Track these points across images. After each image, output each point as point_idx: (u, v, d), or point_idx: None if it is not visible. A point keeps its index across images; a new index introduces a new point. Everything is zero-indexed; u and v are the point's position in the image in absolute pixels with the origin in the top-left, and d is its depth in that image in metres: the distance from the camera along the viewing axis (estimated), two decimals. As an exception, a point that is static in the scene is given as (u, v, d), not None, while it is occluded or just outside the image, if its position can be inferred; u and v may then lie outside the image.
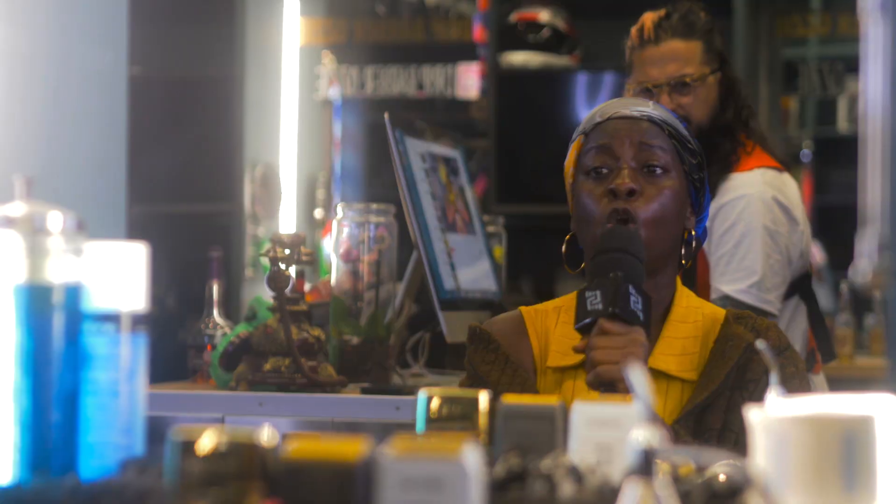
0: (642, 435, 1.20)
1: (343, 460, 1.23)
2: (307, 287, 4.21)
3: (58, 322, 1.56)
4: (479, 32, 6.28)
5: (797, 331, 3.44)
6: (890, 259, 1.08)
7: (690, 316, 2.34)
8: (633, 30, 3.47)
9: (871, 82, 1.11)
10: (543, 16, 6.13)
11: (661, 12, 3.45)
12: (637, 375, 1.22)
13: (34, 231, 1.55)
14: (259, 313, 3.44)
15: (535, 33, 6.14)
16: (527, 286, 5.88)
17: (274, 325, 3.33)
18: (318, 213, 6.44)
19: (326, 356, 3.48)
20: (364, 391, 3.38)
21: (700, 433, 2.22)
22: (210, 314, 3.64)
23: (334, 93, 6.57)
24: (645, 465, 1.19)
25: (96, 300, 1.60)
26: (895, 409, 1.18)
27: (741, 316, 2.35)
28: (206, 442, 1.28)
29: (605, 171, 2.32)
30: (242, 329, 3.42)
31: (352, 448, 1.24)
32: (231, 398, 3.32)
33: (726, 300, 3.31)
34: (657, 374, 2.28)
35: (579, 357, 2.29)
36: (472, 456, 1.24)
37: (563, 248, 2.39)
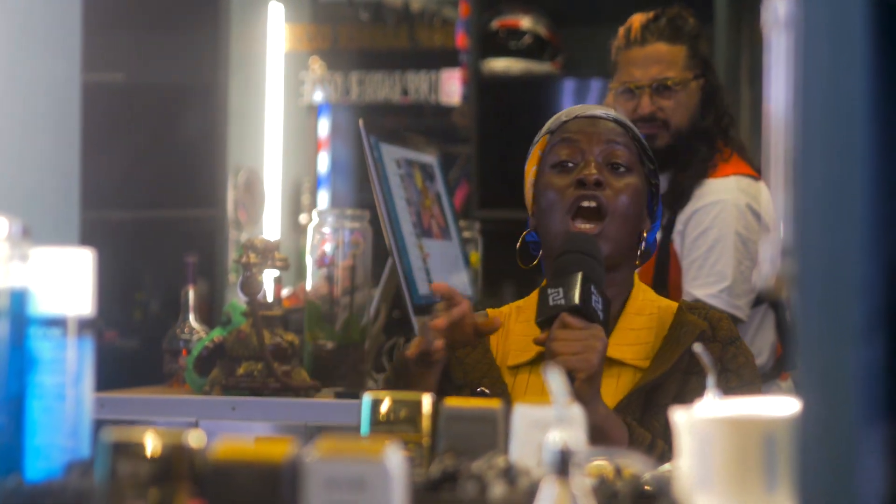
0: (558, 436, 1.23)
1: (269, 461, 1.25)
2: (285, 292, 4.24)
3: (3, 326, 1.58)
4: (461, 39, 6.30)
5: (765, 338, 3.46)
6: (791, 264, 1.10)
7: (646, 308, 2.40)
8: (621, 30, 3.50)
9: (773, 91, 1.14)
10: (525, 22, 6.15)
11: (650, 14, 3.48)
12: (555, 376, 1.25)
13: (-20, 237, 1.57)
14: (233, 318, 3.47)
15: (516, 40, 6.16)
16: (508, 291, 5.89)
17: (247, 329, 3.35)
18: (303, 218, 6.46)
19: (301, 361, 3.50)
20: (338, 395, 3.40)
21: (648, 411, 2.28)
22: (186, 319, 3.67)
23: (319, 98, 6.59)
24: (561, 465, 1.22)
25: (43, 305, 1.63)
26: (794, 412, 1.21)
27: (694, 307, 2.42)
28: (137, 443, 1.31)
29: (570, 164, 2.38)
30: (217, 334, 3.44)
31: (278, 449, 1.27)
32: (205, 402, 3.35)
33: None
34: (611, 362, 2.33)
35: (535, 352, 2.34)
36: (395, 457, 1.27)
37: (518, 244, 2.44)
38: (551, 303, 2.18)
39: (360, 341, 3.60)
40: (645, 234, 2.44)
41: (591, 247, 2.26)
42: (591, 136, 2.39)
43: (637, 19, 3.48)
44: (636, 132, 2.45)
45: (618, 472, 1.41)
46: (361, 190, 6.75)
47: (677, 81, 3.43)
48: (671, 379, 2.30)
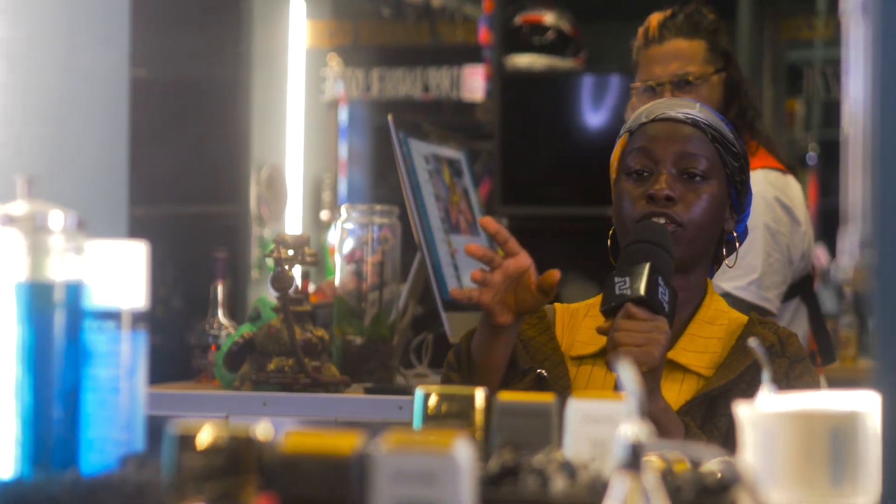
0: (630, 430, 1.22)
1: (337, 454, 1.25)
2: (312, 287, 4.24)
3: (59, 319, 1.58)
4: (484, 34, 6.29)
5: (797, 332, 3.45)
6: (871, 256, 1.10)
7: (718, 318, 2.37)
8: (640, 30, 3.50)
9: (853, 84, 1.13)
10: (548, 18, 6.14)
11: (667, 12, 3.48)
12: (626, 371, 1.24)
13: (35, 229, 1.57)
14: (263, 314, 3.46)
15: (539, 35, 6.15)
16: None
17: (278, 325, 3.35)
18: (325, 214, 6.46)
19: (330, 356, 3.50)
20: (367, 391, 3.40)
21: (709, 421, 2.25)
22: (215, 314, 3.66)
23: (340, 95, 6.59)
24: (633, 460, 1.21)
25: (97, 298, 1.62)
26: (878, 407, 1.20)
27: (764, 321, 2.39)
28: (204, 436, 1.30)
29: (645, 173, 2.35)
30: (246, 329, 3.44)
31: (346, 442, 1.26)
32: (235, 398, 3.34)
33: (727, 297, 3.33)
34: (675, 367, 2.31)
35: (599, 345, 2.33)
36: (464, 450, 1.26)
37: (609, 242, 2.42)
38: (617, 291, 2.17)
39: (388, 337, 3.59)
40: (733, 232, 2.41)
41: (662, 237, 2.24)
42: (665, 144, 2.34)
43: (655, 18, 3.48)
44: (719, 131, 2.39)
45: (693, 464, 1.40)
46: (377, 187, 6.75)
47: (697, 76, 3.42)
48: (735, 389, 2.26)
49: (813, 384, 2.30)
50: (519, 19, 6.17)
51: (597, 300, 2.44)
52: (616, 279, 2.18)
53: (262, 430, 1.29)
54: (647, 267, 2.17)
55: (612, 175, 2.43)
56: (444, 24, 6.55)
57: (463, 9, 6.63)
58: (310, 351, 3.36)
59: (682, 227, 2.31)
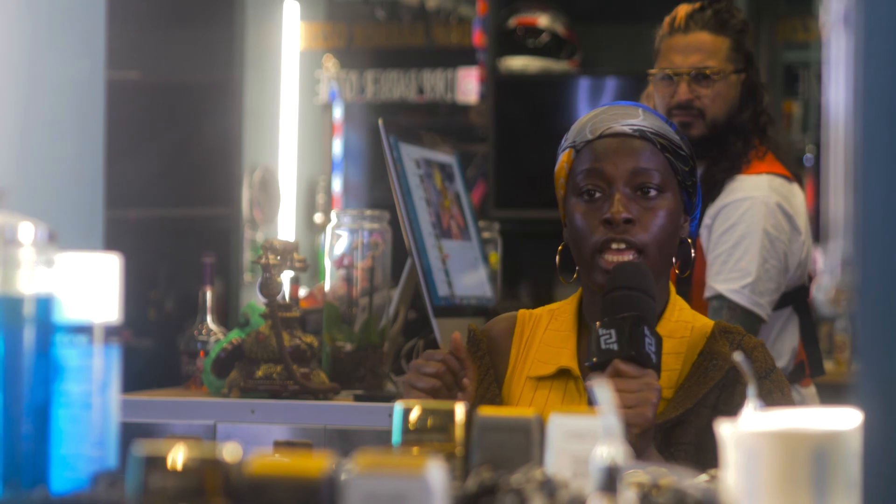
0: (606, 451, 1.19)
1: (307, 476, 1.22)
2: (302, 293, 4.21)
3: (29, 334, 1.55)
4: (478, 37, 6.26)
5: (787, 342, 3.42)
6: (853, 275, 1.06)
7: (678, 331, 2.30)
8: (667, 18, 3.48)
9: (832, 92, 1.10)
10: (543, 21, 6.12)
11: (697, 5, 3.46)
12: (603, 391, 1.21)
13: (5, 242, 1.54)
14: (252, 320, 3.44)
15: (534, 38, 6.13)
16: (525, 292, 5.86)
17: (266, 331, 3.32)
18: (318, 217, 6.43)
19: (320, 363, 3.47)
20: (357, 398, 3.37)
21: (668, 448, 2.19)
22: (203, 320, 3.63)
23: (335, 97, 6.56)
24: (608, 482, 1.18)
25: (69, 311, 1.59)
26: (860, 424, 1.17)
27: (729, 330, 2.30)
28: (170, 457, 1.27)
29: (597, 194, 2.28)
30: (235, 335, 3.41)
31: (315, 464, 1.23)
32: (223, 405, 3.32)
33: (720, 299, 3.30)
34: None
35: (556, 367, 2.29)
36: (436, 472, 1.23)
37: (557, 258, 2.37)
38: (603, 346, 2.09)
39: (378, 343, 3.56)
40: (688, 238, 2.35)
41: (641, 279, 2.16)
42: (616, 161, 2.27)
43: (683, 8, 3.47)
44: (667, 138, 2.32)
45: (655, 484, 1.37)
46: (374, 189, 6.72)
47: (716, 71, 3.40)
48: (694, 415, 2.21)
49: (783, 400, 2.24)
50: (513, 22, 6.15)
51: (558, 308, 2.39)
52: (601, 331, 2.10)
53: (230, 451, 1.26)
54: (631, 318, 2.09)
55: (560, 191, 2.37)
56: (439, 27, 6.53)
57: (458, 11, 6.60)
58: (298, 357, 3.33)
59: (643, 253, 2.25)
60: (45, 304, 1.57)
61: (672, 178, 2.31)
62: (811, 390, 3.48)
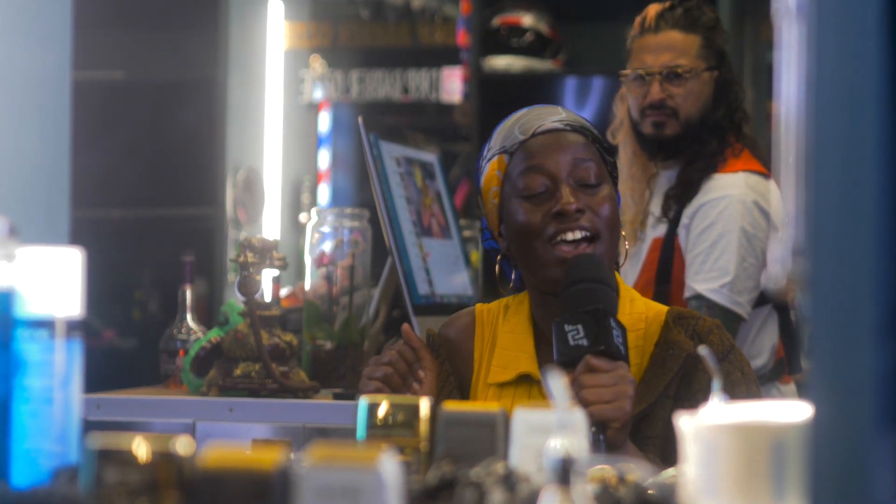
0: (560, 444, 1.18)
1: (259, 469, 1.21)
2: (284, 292, 4.20)
3: (-11, 328, 1.54)
4: (461, 36, 6.26)
5: (766, 339, 3.42)
6: (803, 265, 1.06)
7: (635, 324, 2.28)
8: (637, 19, 3.48)
9: (784, 88, 1.10)
10: (526, 20, 6.11)
11: (667, 4, 3.45)
12: (557, 382, 1.21)
13: (-36, 237, 1.53)
14: (231, 318, 3.43)
15: (518, 37, 6.12)
16: (507, 290, 5.85)
17: (244, 330, 3.31)
18: (303, 217, 6.42)
19: (300, 361, 3.46)
20: (336, 397, 3.36)
21: (637, 444, 2.18)
22: (183, 319, 3.62)
23: (319, 96, 6.56)
24: (562, 475, 1.17)
25: (30, 306, 1.58)
26: (803, 418, 1.16)
27: (682, 316, 2.29)
28: (124, 450, 1.27)
29: (540, 191, 2.25)
30: (214, 334, 3.40)
31: (268, 457, 1.22)
32: (202, 403, 3.31)
33: (700, 299, 3.30)
34: None
35: (518, 372, 2.28)
36: (389, 465, 1.23)
37: (497, 269, 2.35)
38: (572, 342, 2.06)
39: (359, 342, 3.56)
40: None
41: (599, 271, 2.14)
42: (556, 156, 2.24)
43: (653, 8, 3.47)
44: (590, 130, 2.30)
45: (621, 479, 1.36)
46: (362, 189, 6.72)
47: (687, 70, 3.40)
48: (658, 407, 2.20)
49: (743, 380, 2.22)
50: (497, 21, 6.14)
51: (512, 302, 2.37)
52: (567, 327, 2.07)
53: (183, 444, 1.25)
54: (597, 312, 2.07)
55: (492, 200, 2.33)
56: (424, 26, 6.52)
57: (442, 10, 6.59)
58: (277, 356, 3.32)
59: (598, 240, 2.24)
60: (5, 299, 1.56)
61: (604, 169, 2.30)
62: (791, 387, 3.48)
